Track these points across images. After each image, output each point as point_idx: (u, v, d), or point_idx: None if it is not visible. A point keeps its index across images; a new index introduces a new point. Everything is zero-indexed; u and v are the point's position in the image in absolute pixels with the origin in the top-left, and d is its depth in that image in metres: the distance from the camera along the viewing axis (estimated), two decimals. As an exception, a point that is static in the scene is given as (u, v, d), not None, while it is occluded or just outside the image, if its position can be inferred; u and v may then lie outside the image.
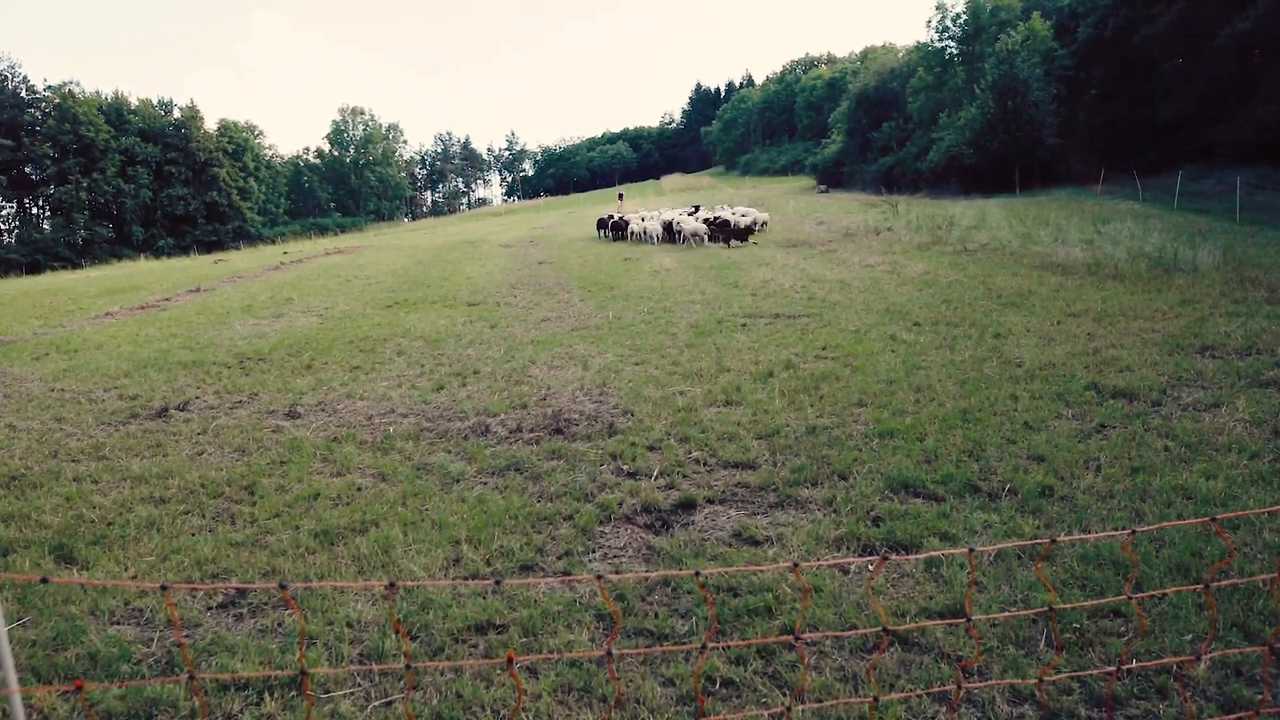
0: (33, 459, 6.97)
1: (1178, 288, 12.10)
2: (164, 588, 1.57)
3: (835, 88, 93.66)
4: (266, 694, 3.48)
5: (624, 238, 28.59)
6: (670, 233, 26.38)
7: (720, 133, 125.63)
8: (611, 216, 31.17)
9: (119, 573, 4.75)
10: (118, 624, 4.19)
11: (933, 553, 2.49)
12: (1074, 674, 3.30)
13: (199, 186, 79.99)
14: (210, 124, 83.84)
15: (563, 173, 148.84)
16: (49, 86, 73.84)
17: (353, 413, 8.06)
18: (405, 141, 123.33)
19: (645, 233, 27.20)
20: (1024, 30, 47.08)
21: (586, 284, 17.27)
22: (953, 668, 3.45)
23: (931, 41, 59.49)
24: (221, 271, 27.99)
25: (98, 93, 76.57)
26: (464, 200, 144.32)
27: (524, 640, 3.86)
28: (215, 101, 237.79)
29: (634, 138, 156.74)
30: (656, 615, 4.02)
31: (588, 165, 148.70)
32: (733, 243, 24.00)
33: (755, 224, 26.67)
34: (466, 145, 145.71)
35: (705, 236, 24.93)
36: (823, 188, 65.05)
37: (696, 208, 33.85)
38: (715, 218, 26.62)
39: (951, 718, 3.19)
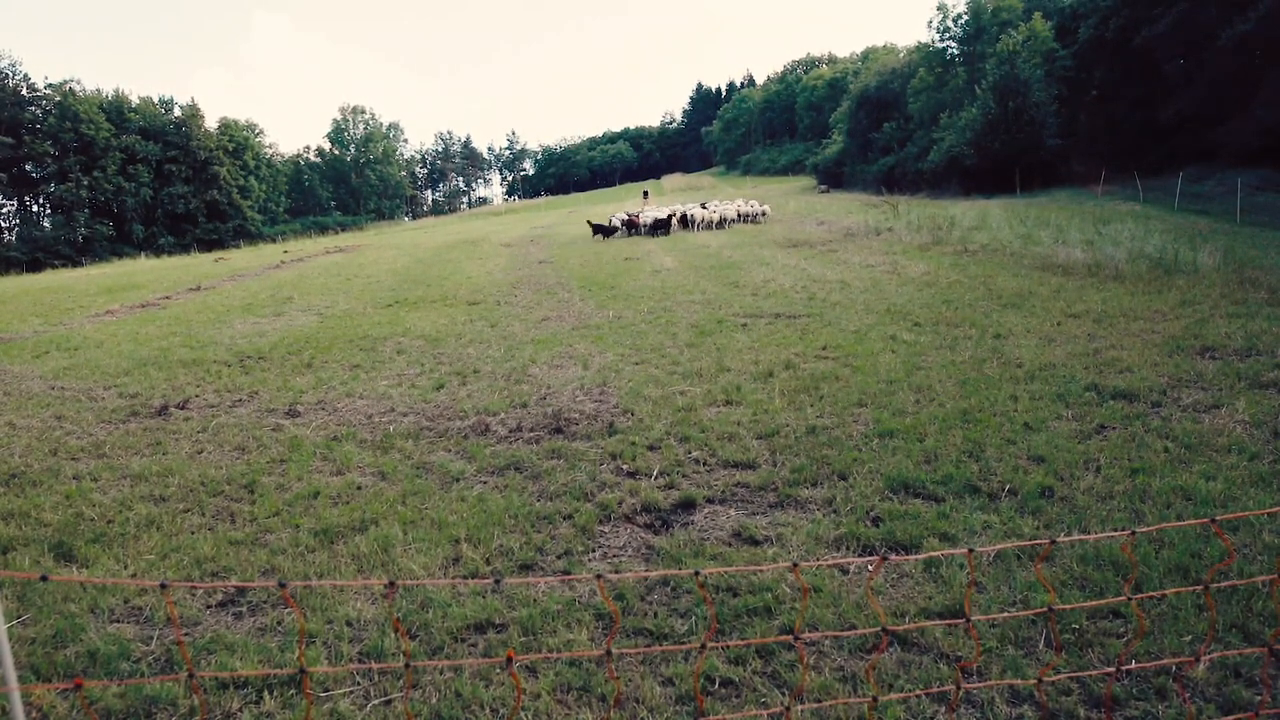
0: (33, 457, 6.97)
1: (1178, 289, 12.09)
2: (163, 586, 1.57)
3: (836, 88, 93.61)
4: (266, 692, 3.49)
5: (638, 234, 30.77)
6: (683, 223, 31.29)
7: (721, 132, 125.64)
8: (635, 214, 32.52)
9: (118, 571, 4.75)
10: (117, 622, 4.19)
11: (932, 553, 2.50)
12: (1073, 674, 3.30)
13: (199, 185, 79.97)
14: (211, 122, 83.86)
15: (563, 172, 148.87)
16: (49, 84, 73.82)
17: (353, 411, 8.06)
18: (406, 140, 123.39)
19: (647, 225, 31.18)
20: (1025, 31, 47.09)
21: (587, 283, 17.27)
22: (952, 668, 3.45)
23: (933, 42, 59.51)
24: (222, 270, 28.00)
25: (98, 91, 76.54)
26: (464, 199, 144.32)
27: (523, 639, 3.86)
28: (216, 100, 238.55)
29: (635, 137, 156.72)
30: (656, 615, 4.02)
31: (588, 165, 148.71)
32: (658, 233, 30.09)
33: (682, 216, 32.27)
34: (467, 144, 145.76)
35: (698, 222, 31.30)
36: (823, 188, 65.04)
37: (690, 206, 36.53)
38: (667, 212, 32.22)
39: (950, 718, 3.19)
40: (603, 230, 30.51)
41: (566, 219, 51.14)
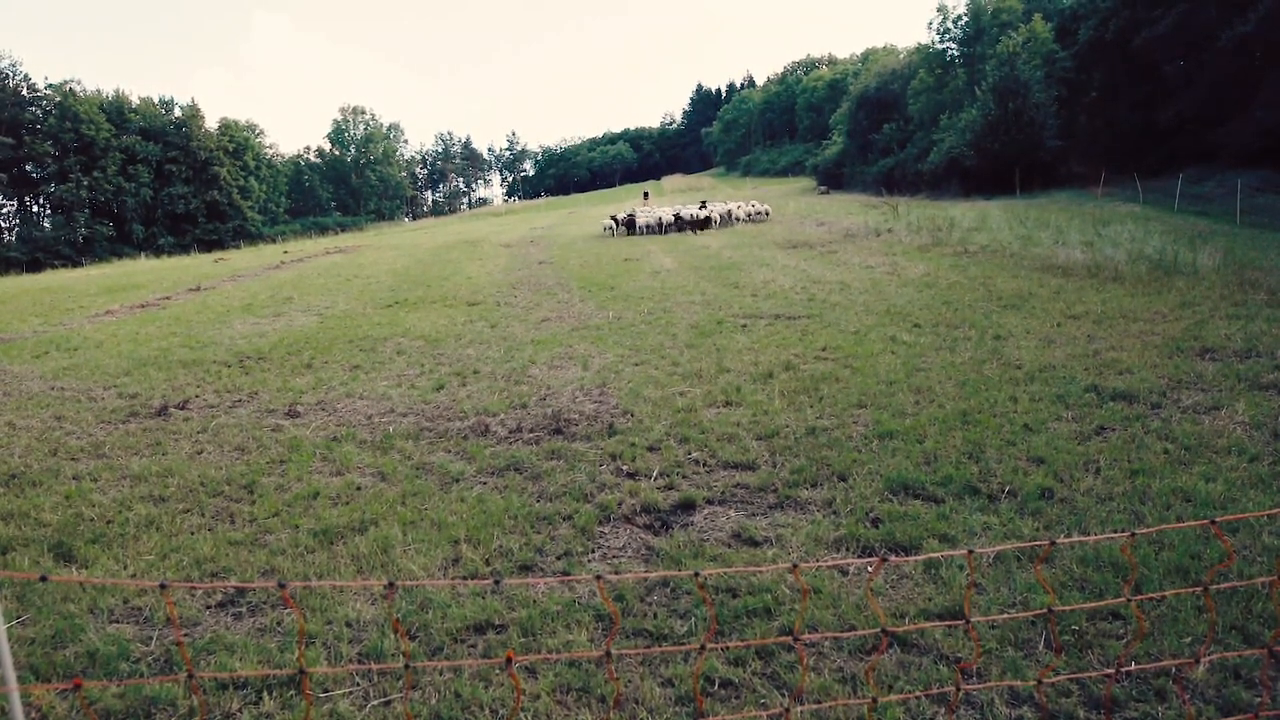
0: (32, 457, 6.97)
1: (1178, 290, 12.10)
2: (163, 586, 1.57)
3: (836, 89, 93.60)
4: (265, 693, 3.48)
5: (634, 232, 32.43)
6: (679, 222, 32.06)
7: (721, 133, 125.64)
8: (631, 213, 34.40)
9: (118, 571, 4.75)
10: (117, 622, 4.19)
11: (932, 554, 2.50)
12: (1073, 676, 3.30)
13: (200, 185, 79.95)
14: (211, 123, 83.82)
15: (563, 173, 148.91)
16: (50, 84, 73.84)
17: (352, 412, 8.06)
18: (406, 141, 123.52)
19: (649, 225, 32.14)
20: (1025, 32, 47.07)
21: (587, 284, 17.27)
22: (951, 669, 3.45)
23: (933, 43, 59.51)
24: (222, 270, 28.00)
25: (99, 91, 76.56)
26: (464, 200, 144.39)
27: (523, 640, 3.86)
28: (216, 101, 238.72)
29: (635, 138, 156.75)
30: (655, 616, 4.02)
31: (588, 165, 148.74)
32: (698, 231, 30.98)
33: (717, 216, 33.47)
34: (467, 145, 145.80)
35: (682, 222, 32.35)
36: (823, 189, 65.05)
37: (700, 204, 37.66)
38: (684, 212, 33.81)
39: (950, 719, 3.19)
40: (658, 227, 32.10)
41: (566, 220, 51.14)
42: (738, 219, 33.65)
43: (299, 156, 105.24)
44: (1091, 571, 4.15)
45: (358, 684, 3.56)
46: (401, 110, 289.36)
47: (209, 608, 4.31)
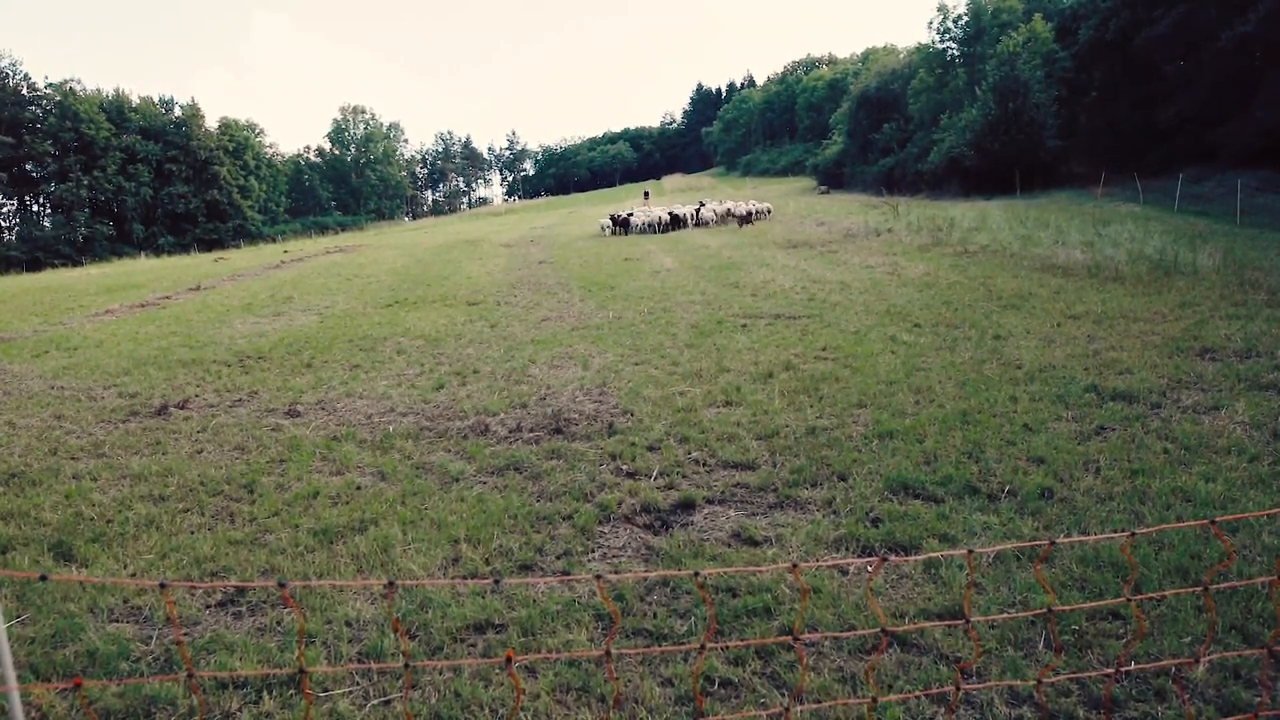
0: (32, 456, 6.97)
1: (1178, 290, 12.10)
2: (163, 585, 1.57)
3: (836, 88, 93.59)
4: (265, 692, 3.48)
5: (631, 232, 32.87)
6: (675, 222, 32.96)
7: (721, 133, 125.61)
8: (629, 213, 34.84)
9: (118, 570, 4.75)
10: (116, 622, 4.19)
11: (932, 554, 2.50)
12: (1072, 675, 3.30)
13: (200, 184, 79.99)
14: (211, 122, 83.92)
15: (563, 172, 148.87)
16: (50, 84, 73.90)
17: (352, 411, 8.06)
18: (406, 140, 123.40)
19: (646, 224, 32.80)
20: (1025, 32, 47.09)
21: (587, 284, 17.27)
22: (951, 669, 3.45)
23: (933, 43, 59.50)
24: (222, 269, 28.00)
25: (99, 90, 76.60)
26: (464, 199, 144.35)
27: (523, 640, 3.86)
28: (216, 100, 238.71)
29: (635, 138, 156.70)
30: (655, 615, 4.02)
31: (589, 165, 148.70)
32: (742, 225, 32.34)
33: (753, 213, 34.36)
34: (467, 144, 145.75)
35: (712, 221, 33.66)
36: (823, 189, 65.05)
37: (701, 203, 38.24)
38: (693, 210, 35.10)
39: (950, 719, 3.19)
40: (678, 222, 33.08)
41: (567, 219, 51.14)
42: (741, 217, 33.89)
43: (299, 156, 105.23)
44: (1091, 571, 4.15)
45: (357, 683, 3.56)
46: (401, 110, 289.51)
47: (209, 607, 4.31)
